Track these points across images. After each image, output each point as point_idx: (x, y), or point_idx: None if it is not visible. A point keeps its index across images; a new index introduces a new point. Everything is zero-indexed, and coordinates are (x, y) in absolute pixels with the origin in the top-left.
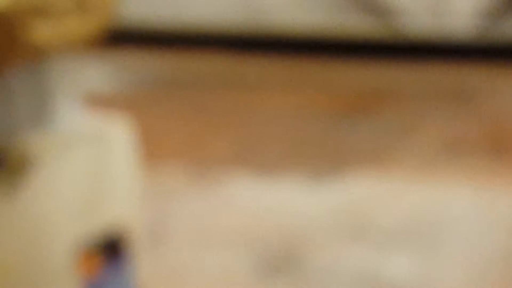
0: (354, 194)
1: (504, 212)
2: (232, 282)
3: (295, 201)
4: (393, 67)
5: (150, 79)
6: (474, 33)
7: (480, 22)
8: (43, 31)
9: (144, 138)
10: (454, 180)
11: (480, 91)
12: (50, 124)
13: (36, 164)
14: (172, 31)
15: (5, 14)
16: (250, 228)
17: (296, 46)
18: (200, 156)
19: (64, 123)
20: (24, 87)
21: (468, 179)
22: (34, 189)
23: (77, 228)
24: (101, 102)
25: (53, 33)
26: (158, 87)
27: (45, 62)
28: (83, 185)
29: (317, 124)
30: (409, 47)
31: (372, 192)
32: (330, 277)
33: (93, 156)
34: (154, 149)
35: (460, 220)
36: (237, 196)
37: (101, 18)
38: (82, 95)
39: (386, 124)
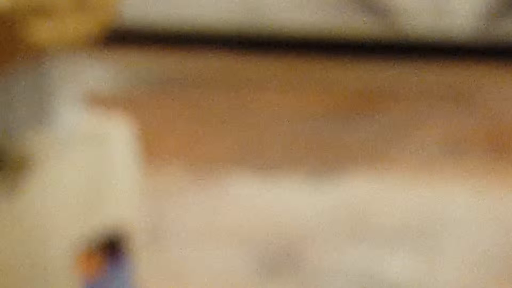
0: (354, 194)
1: (504, 212)
2: (232, 282)
3: (295, 201)
4: (393, 67)
5: (150, 79)
6: (474, 33)
7: (480, 22)
8: (43, 31)
9: (144, 138)
10: (454, 180)
11: (480, 91)
12: (50, 124)
13: (36, 164)
14: (172, 31)
15: (5, 14)
16: (250, 228)
17: (296, 46)
18: (200, 156)
19: (64, 123)
20: (24, 87)
21: (468, 179)
22: (34, 189)
23: (77, 228)
24: (101, 102)
25: (53, 33)
26: (158, 87)
27: (45, 62)
28: (83, 185)
29: (317, 124)
30: (409, 47)
31: (371, 192)
32: (330, 277)
33: (93, 156)
34: (154, 149)
35: (460, 220)
36: (237, 196)
37: (101, 18)
38: (82, 95)
39: (386, 124)
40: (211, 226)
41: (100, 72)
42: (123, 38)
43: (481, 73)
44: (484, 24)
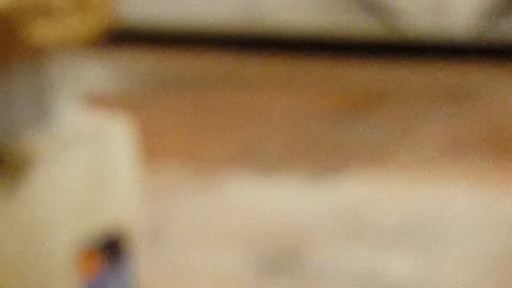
0: (354, 193)
1: (504, 211)
2: (232, 282)
3: (295, 201)
4: (393, 67)
5: (150, 79)
6: (474, 33)
7: (480, 22)
8: (43, 31)
9: (144, 138)
10: (454, 180)
11: (480, 91)
12: (50, 124)
13: (36, 164)
14: (172, 31)
15: (5, 13)
16: (250, 228)
17: (296, 46)
18: (200, 155)
19: (64, 123)
20: (24, 87)
21: (468, 179)
22: (34, 189)
23: (77, 227)
24: (101, 102)
25: (53, 33)
26: (158, 87)
27: (45, 62)
28: (83, 185)
29: (317, 124)
30: (409, 47)
31: (372, 192)
32: (329, 276)
33: (93, 155)
34: (154, 149)
35: (460, 220)
36: (237, 196)
37: (101, 18)
38: (82, 95)
39: (386, 124)
40: (211, 226)
41: (100, 72)
42: (123, 38)
43: (481, 73)
44: (484, 24)
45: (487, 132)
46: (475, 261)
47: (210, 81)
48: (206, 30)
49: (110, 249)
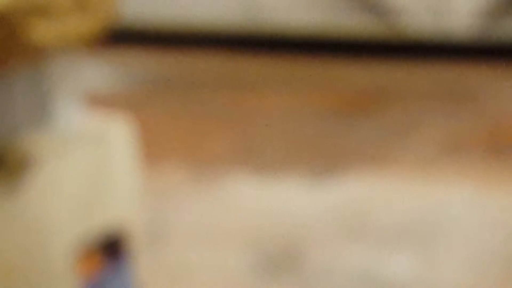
0: (354, 193)
1: (503, 211)
2: (232, 282)
3: (295, 201)
4: (393, 67)
5: (150, 79)
6: (474, 33)
7: (480, 22)
8: (43, 31)
9: (144, 138)
10: (454, 180)
11: (480, 91)
12: (50, 124)
13: (36, 164)
14: (172, 31)
15: (5, 14)
16: (250, 228)
17: (296, 46)
18: (200, 155)
19: (64, 123)
20: (24, 87)
21: (468, 179)
22: (34, 189)
23: (77, 227)
24: (101, 102)
25: (53, 33)
26: (157, 87)
27: (45, 62)
28: (83, 185)
29: (317, 124)
30: (410, 47)
31: (372, 192)
32: (330, 276)
33: (93, 156)
34: (154, 149)
35: (460, 220)
36: (237, 196)
37: (101, 18)
38: (82, 95)
39: (386, 124)
40: (211, 226)
41: (100, 72)
42: (123, 38)
43: (481, 73)
44: (484, 24)
45: (487, 132)
46: (475, 261)
47: (210, 81)
48: (206, 30)
49: (110, 249)
